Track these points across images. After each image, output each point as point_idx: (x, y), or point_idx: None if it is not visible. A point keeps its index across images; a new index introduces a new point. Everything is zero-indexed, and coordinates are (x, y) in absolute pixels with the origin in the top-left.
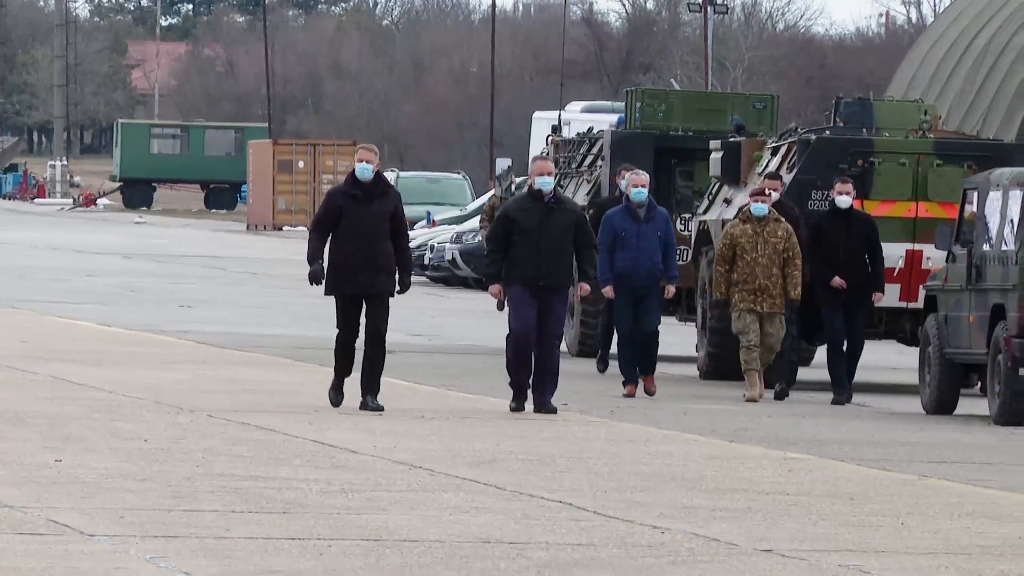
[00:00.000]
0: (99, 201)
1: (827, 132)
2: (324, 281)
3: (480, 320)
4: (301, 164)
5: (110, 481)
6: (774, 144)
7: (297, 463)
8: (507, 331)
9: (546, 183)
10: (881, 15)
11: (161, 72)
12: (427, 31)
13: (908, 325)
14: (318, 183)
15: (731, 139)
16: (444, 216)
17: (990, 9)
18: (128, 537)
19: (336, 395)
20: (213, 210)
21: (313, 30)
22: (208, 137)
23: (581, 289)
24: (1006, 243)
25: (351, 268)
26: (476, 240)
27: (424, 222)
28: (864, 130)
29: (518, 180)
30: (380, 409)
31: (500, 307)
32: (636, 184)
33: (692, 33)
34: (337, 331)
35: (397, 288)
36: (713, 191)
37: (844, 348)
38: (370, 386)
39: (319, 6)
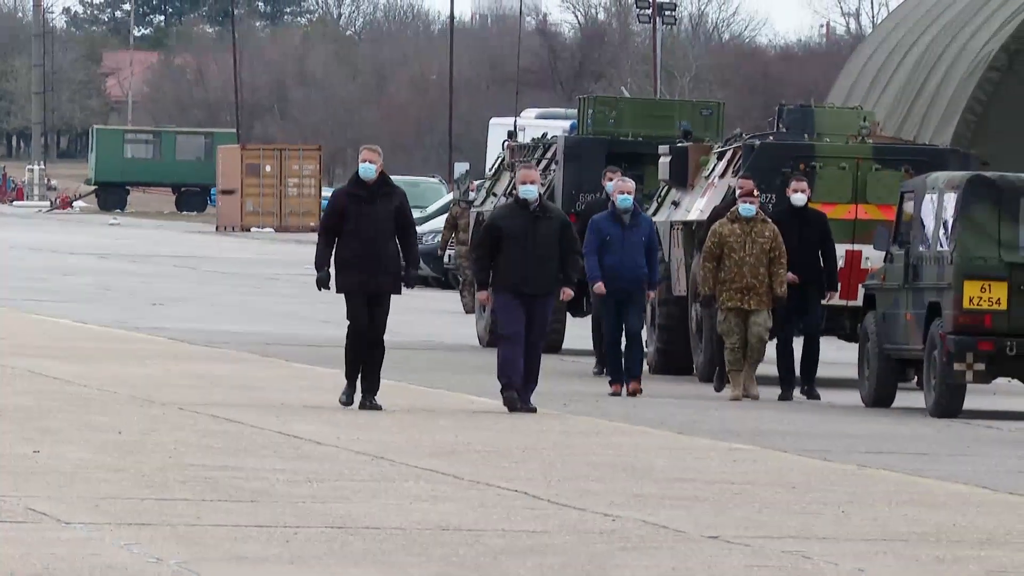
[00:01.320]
0: (75, 203)
1: (770, 138)
2: (332, 281)
3: (439, 317)
4: (268, 168)
5: (86, 471)
6: (720, 149)
7: (264, 454)
8: (476, 334)
9: (530, 192)
10: (822, 26)
11: (134, 80)
12: (389, 41)
13: (848, 322)
14: (284, 186)
15: (679, 144)
16: None
17: (925, 20)
18: (103, 525)
19: (347, 397)
20: (184, 212)
21: (279, 40)
22: (179, 142)
23: (564, 294)
24: (941, 244)
25: (356, 267)
26: (435, 242)
27: None
28: (806, 136)
29: (476, 183)
30: (379, 408)
31: (469, 310)
32: (622, 191)
33: (642, 43)
34: (348, 324)
35: (403, 284)
36: (662, 194)
37: (791, 344)
38: (369, 386)
39: (285, 17)
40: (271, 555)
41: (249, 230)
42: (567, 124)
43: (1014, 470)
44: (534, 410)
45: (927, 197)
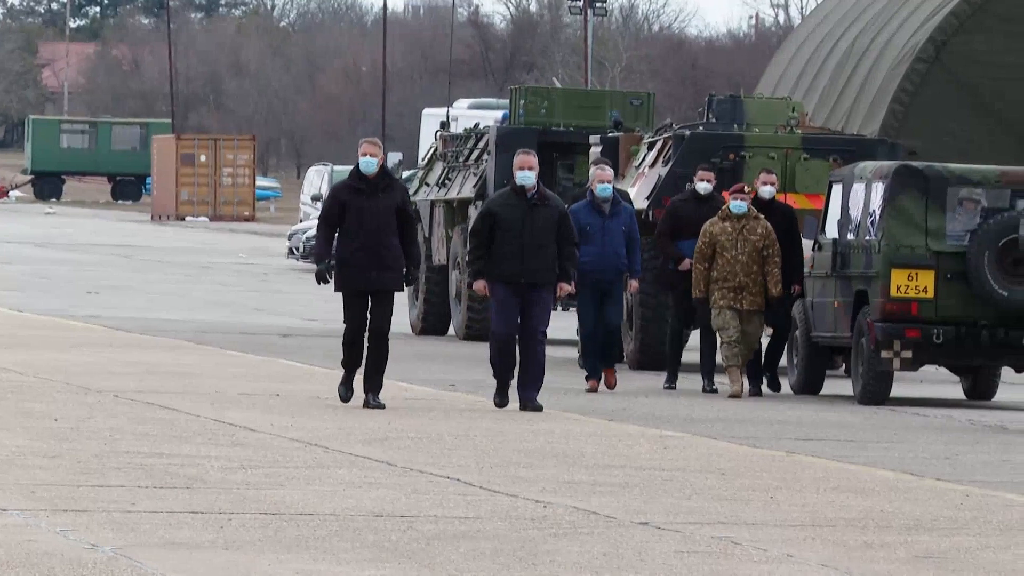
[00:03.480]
0: (11, 193)
1: (700, 128)
2: (332, 277)
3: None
4: (203, 158)
5: (22, 458)
6: (650, 139)
7: (199, 441)
8: (408, 322)
9: (527, 178)
10: (751, 17)
11: (70, 71)
12: (322, 32)
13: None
14: (219, 176)
15: (610, 134)
16: None
17: (853, 12)
18: (39, 511)
19: (345, 390)
20: (119, 201)
21: (214, 31)
22: (115, 132)
23: (561, 289)
24: (869, 232)
25: (357, 264)
26: None
27: (308, 211)
28: (735, 126)
29: (406, 174)
30: (382, 407)
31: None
32: (602, 180)
33: (573, 34)
34: (344, 325)
35: (405, 281)
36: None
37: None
38: (372, 384)
39: (220, 9)
40: (205, 541)
41: (184, 219)
42: (499, 114)
43: (940, 456)
44: (540, 408)
45: (855, 186)
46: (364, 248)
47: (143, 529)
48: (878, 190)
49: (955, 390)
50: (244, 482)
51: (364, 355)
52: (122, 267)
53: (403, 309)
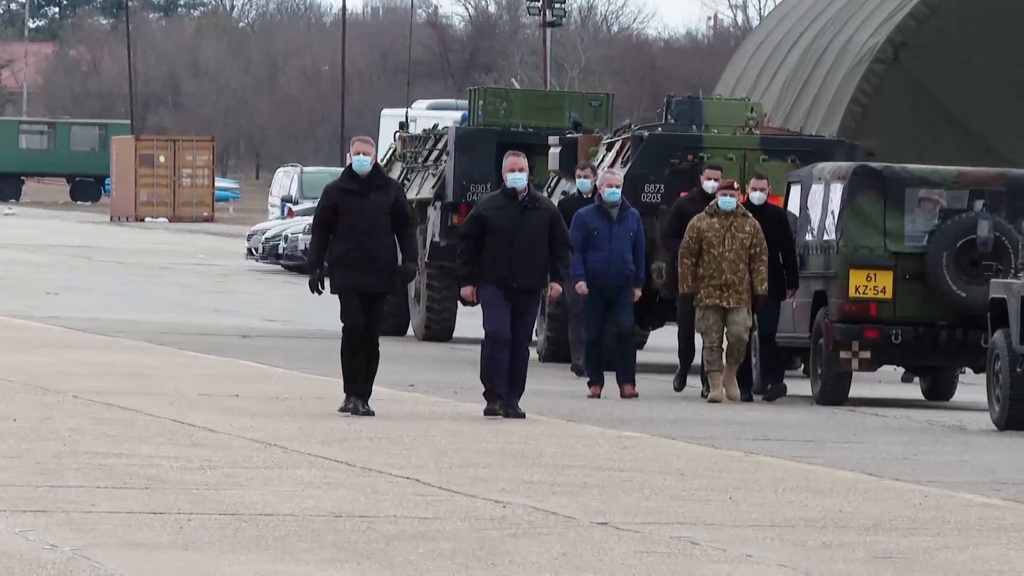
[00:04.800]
0: None
1: (659, 129)
2: (327, 280)
3: (332, 306)
4: (162, 159)
5: None
6: (609, 140)
7: (158, 441)
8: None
9: (518, 180)
10: (710, 18)
11: (29, 71)
12: (281, 32)
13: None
14: (178, 177)
15: (568, 135)
16: (300, 208)
17: (811, 13)
18: None
19: (347, 401)
20: (78, 202)
21: (173, 32)
22: (74, 133)
23: (553, 290)
24: (827, 233)
25: (350, 264)
26: None
27: (276, 212)
28: (694, 127)
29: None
30: (372, 414)
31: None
32: (610, 184)
33: (532, 35)
34: (342, 324)
35: (400, 278)
36: (552, 184)
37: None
38: (361, 390)
39: (179, 9)
40: (165, 541)
41: (143, 220)
42: (458, 115)
43: (899, 457)
44: (522, 416)
45: (814, 187)
46: (357, 249)
47: (102, 529)
48: (836, 191)
49: (914, 390)
50: (203, 482)
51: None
52: (81, 268)
53: None
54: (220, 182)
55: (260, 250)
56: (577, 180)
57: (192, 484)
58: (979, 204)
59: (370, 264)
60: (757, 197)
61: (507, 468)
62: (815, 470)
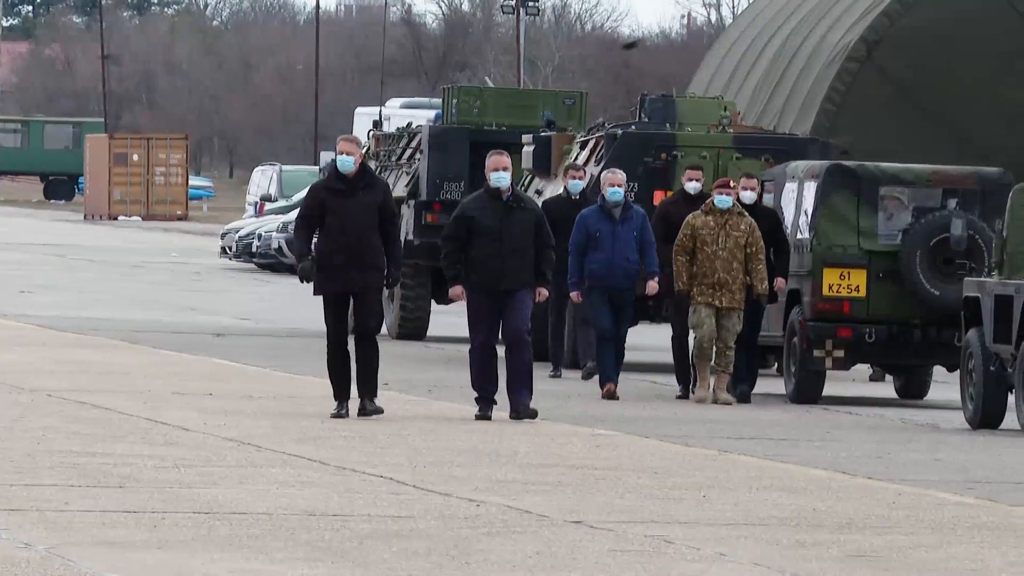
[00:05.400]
0: None
1: (633, 127)
2: (312, 279)
3: (304, 304)
4: (135, 157)
5: None
6: (583, 138)
7: (132, 440)
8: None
9: (502, 179)
10: (683, 16)
11: (3, 70)
12: (255, 31)
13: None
14: (151, 175)
15: (542, 134)
16: (272, 206)
17: (785, 11)
18: None
19: (339, 407)
20: (52, 200)
21: (147, 30)
22: (47, 131)
23: (539, 295)
24: (801, 231)
25: (337, 265)
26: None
27: (252, 211)
28: (667, 125)
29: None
30: (380, 411)
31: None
32: (612, 184)
33: (505, 33)
34: (326, 334)
35: (385, 282)
36: (525, 182)
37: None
38: (366, 388)
39: (152, 8)
40: (139, 540)
41: (117, 218)
42: (432, 114)
43: (872, 455)
44: (534, 415)
45: (787, 185)
46: (343, 249)
47: (76, 528)
48: (810, 189)
49: (887, 389)
50: (177, 481)
51: (352, 362)
52: (55, 266)
53: None
54: (194, 180)
55: (234, 248)
56: (569, 181)
57: (166, 483)
58: (953, 203)
59: (358, 263)
60: (747, 196)
61: (481, 467)
62: (789, 468)
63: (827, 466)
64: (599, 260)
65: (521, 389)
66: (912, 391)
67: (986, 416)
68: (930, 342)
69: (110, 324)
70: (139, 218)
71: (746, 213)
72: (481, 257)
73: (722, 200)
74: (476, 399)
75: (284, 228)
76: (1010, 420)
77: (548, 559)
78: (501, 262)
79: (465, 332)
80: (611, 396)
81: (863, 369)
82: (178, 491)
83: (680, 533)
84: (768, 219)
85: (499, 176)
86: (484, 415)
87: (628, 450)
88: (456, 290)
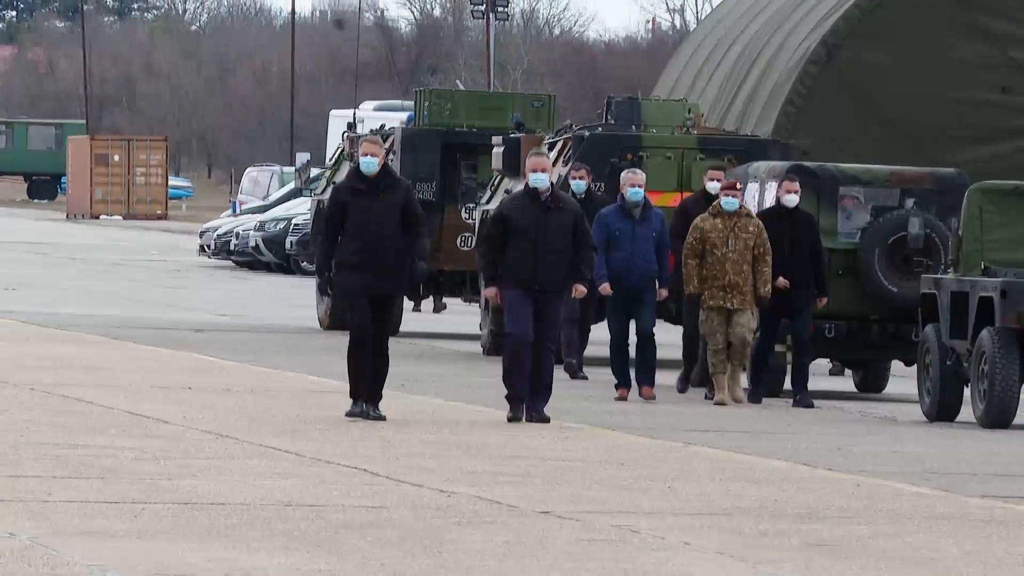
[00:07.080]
0: None
1: (600, 129)
2: (334, 284)
3: (282, 300)
4: (116, 158)
5: None
6: (551, 140)
7: (113, 432)
8: (316, 317)
9: (541, 180)
10: (648, 21)
11: None
12: (232, 35)
13: (674, 306)
14: (132, 175)
15: (511, 135)
16: (249, 205)
17: (747, 17)
18: None
19: (354, 406)
20: (35, 200)
21: (127, 34)
22: (31, 132)
23: (576, 291)
24: None
25: (358, 267)
26: (278, 228)
27: (230, 210)
28: (633, 127)
29: (314, 173)
30: (382, 419)
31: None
32: (633, 184)
33: (476, 38)
34: (349, 332)
35: (411, 279)
36: (495, 183)
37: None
38: (372, 395)
39: (133, 12)
40: (120, 530)
41: (98, 217)
42: (404, 116)
43: (832, 447)
44: (547, 420)
45: (750, 185)
46: (364, 251)
47: (59, 518)
48: (772, 189)
49: (846, 383)
50: (157, 472)
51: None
52: (38, 264)
53: (312, 303)
54: (173, 180)
55: (212, 247)
56: (572, 182)
57: (146, 474)
58: (910, 202)
59: (380, 266)
60: (791, 200)
61: (452, 459)
62: (751, 460)
63: (788, 458)
64: (618, 259)
65: (538, 395)
66: (871, 385)
67: (942, 409)
68: (888, 337)
69: (92, 320)
70: (120, 217)
71: (753, 215)
72: (516, 256)
73: (729, 202)
74: (507, 396)
75: (261, 227)
76: (966, 413)
77: (517, 548)
78: (536, 262)
79: (436, 328)
80: (623, 399)
81: (823, 363)
82: (158, 482)
83: (646, 523)
84: (808, 225)
85: (538, 177)
86: (515, 416)
87: (595, 442)
88: (489, 291)
